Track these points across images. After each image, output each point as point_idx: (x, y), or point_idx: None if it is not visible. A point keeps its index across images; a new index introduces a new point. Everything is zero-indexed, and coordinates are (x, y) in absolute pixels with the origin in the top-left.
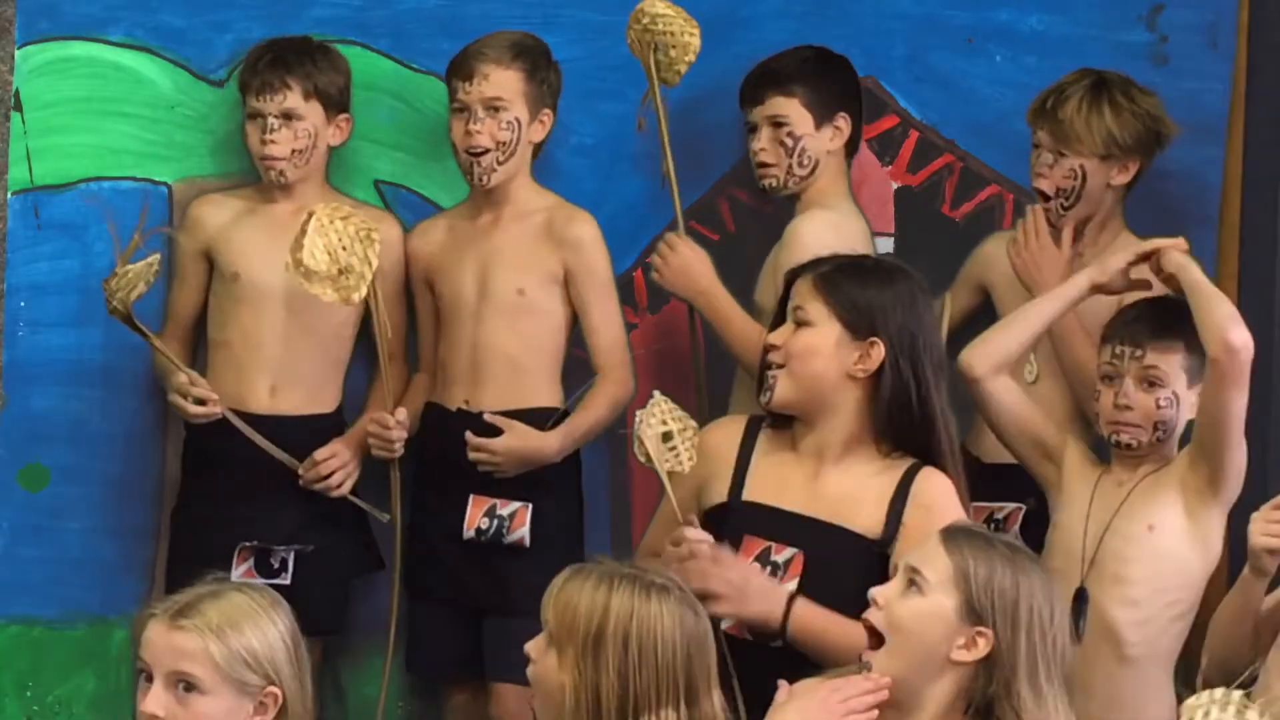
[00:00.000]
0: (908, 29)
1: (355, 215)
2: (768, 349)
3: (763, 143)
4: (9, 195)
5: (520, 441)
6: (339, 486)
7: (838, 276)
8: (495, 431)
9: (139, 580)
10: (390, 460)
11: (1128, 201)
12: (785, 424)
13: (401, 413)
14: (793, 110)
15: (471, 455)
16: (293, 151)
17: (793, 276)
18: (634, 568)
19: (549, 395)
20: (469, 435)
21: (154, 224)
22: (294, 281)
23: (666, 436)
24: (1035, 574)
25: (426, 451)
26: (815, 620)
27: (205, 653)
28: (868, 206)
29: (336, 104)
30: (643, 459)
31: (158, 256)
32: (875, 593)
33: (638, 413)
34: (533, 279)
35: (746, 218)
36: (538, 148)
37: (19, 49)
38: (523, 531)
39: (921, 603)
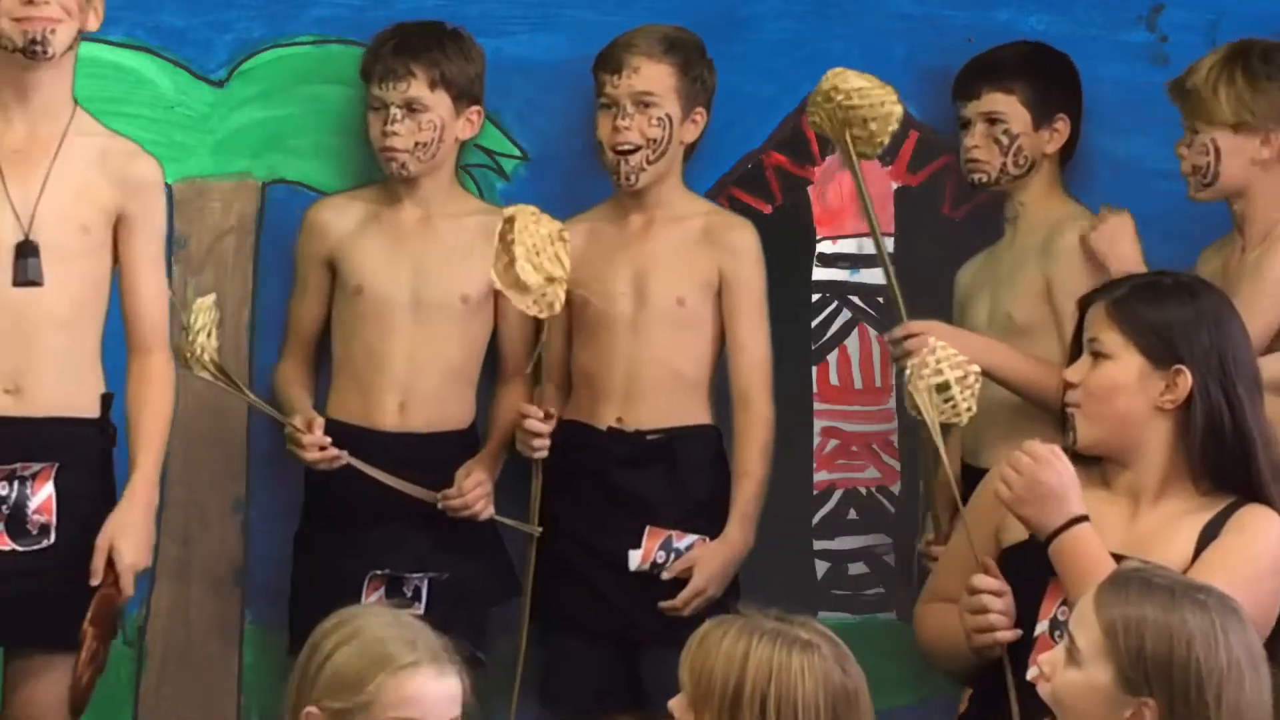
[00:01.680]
0: (908, 29)
1: (546, 216)
2: (1066, 387)
3: (976, 139)
4: None
5: (715, 561)
6: (483, 512)
7: (1132, 300)
8: (652, 448)
9: (139, 581)
10: (534, 462)
11: None
12: (1094, 457)
13: (549, 413)
14: (1011, 108)
15: (688, 612)
16: (416, 144)
17: (1084, 304)
18: (779, 620)
19: (702, 411)
20: (665, 602)
21: None
22: (419, 292)
23: (942, 387)
24: (1199, 621)
25: (566, 471)
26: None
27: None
28: None
29: (466, 94)
30: (913, 412)
31: (212, 296)
32: (1042, 660)
33: (909, 363)
34: (692, 287)
35: (746, 217)
36: (689, 150)
37: None
38: None
39: (1077, 677)
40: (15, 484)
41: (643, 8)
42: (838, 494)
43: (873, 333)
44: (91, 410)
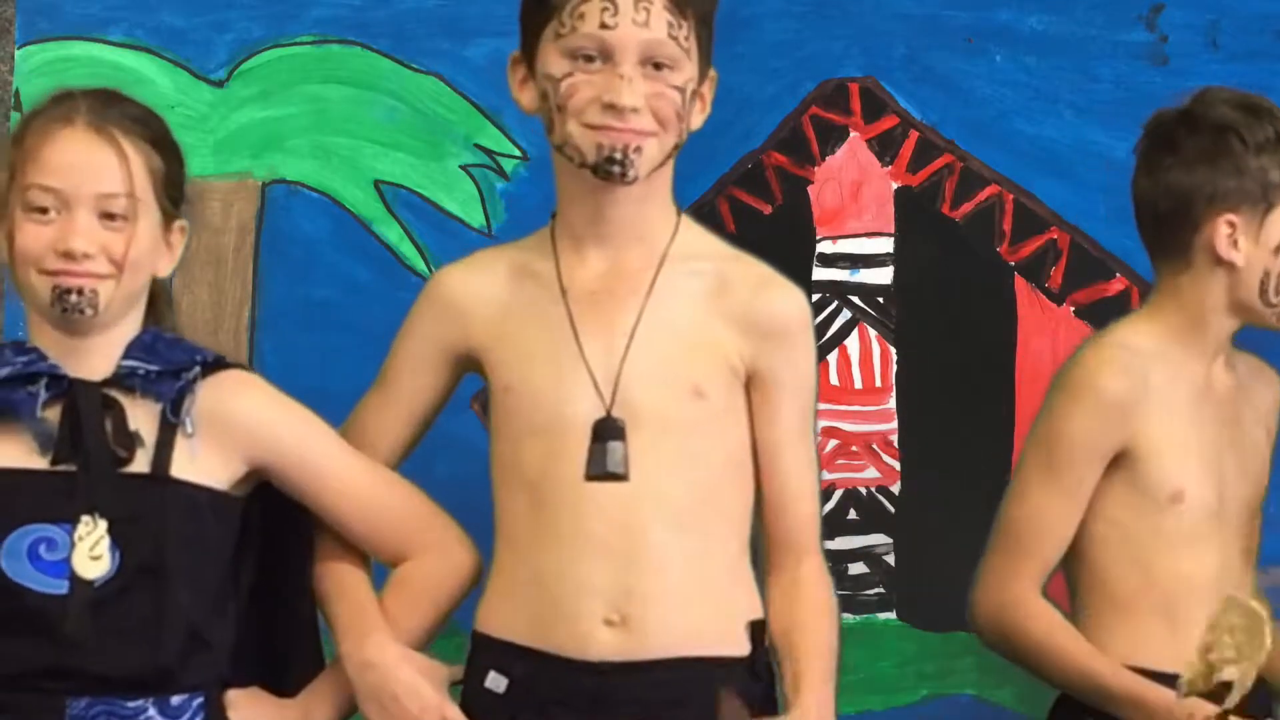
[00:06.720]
0: (908, 29)
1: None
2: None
3: None
4: None
5: None
6: None
7: None
8: None
9: None
10: None
11: None
12: None
13: None
14: None
15: None
16: None
17: None
18: None
19: None
20: None
21: None
22: (1238, 494)
23: None
24: None
25: None
26: None
27: None
28: (867, 206)
29: None
30: None
31: None
32: None
33: None
34: None
35: (746, 218)
36: None
37: (19, 49)
38: None
39: None
40: None
41: None
42: (838, 494)
43: (873, 333)
44: (733, 644)
